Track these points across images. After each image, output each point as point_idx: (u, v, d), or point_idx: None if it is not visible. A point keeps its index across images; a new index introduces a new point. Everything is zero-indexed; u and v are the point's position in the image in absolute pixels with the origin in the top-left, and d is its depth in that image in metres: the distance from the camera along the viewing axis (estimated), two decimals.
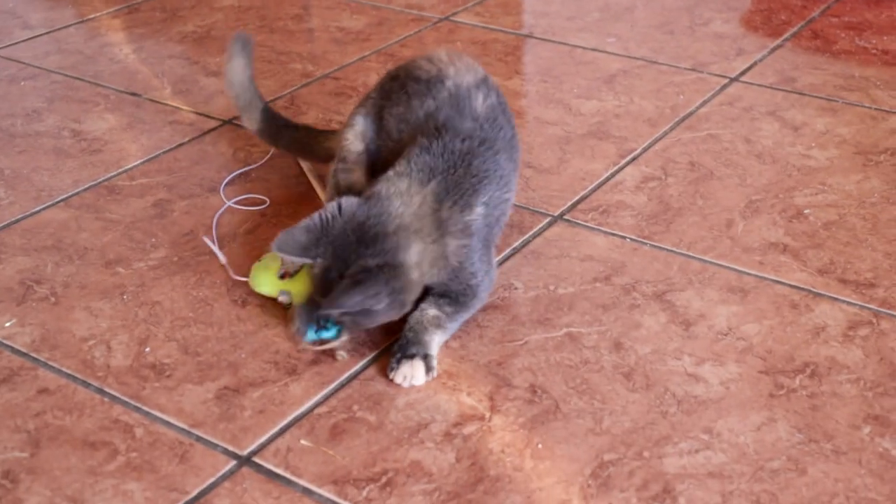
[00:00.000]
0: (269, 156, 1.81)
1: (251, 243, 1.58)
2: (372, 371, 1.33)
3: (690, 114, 1.94)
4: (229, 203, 1.68)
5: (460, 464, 1.19)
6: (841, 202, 1.65)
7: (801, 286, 1.47)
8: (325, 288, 1.28)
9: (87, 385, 1.33)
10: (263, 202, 1.69)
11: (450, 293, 1.36)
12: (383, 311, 1.29)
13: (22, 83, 2.14)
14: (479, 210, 1.35)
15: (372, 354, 1.36)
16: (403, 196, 1.32)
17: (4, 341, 1.40)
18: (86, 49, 2.29)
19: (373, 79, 2.09)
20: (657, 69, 2.12)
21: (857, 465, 1.18)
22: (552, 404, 1.27)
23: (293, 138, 1.73)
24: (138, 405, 1.29)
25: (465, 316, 1.38)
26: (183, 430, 1.25)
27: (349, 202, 1.32)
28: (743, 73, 2.09)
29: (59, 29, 2.40)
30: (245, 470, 1.19)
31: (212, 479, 1.18)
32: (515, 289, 1.47)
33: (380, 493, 1.15)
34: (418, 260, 1.30)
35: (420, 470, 1.18)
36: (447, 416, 1.26)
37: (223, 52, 2.24)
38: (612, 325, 1.40)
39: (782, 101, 1.98)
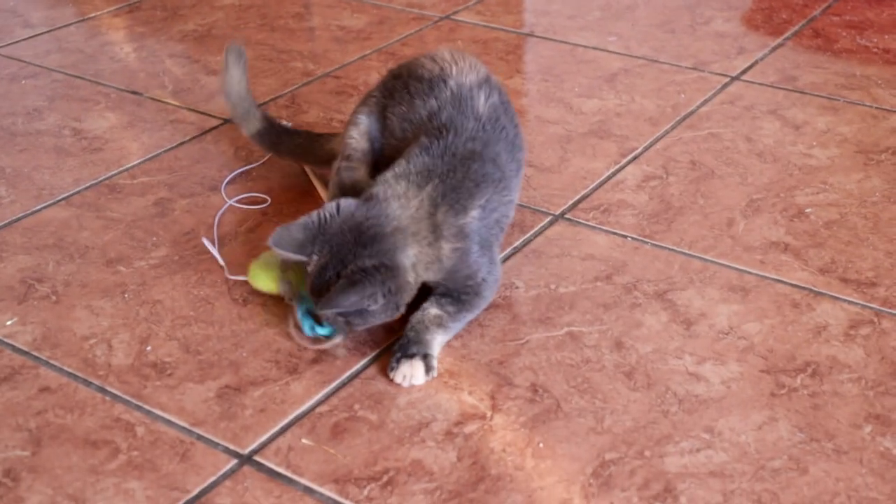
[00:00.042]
0: (270, 155, 1.80)
1: (252, 242, 1.58)
2: (373, 370, 1.33)
3: (691, 113, 1.94)
4: (230, 202, 1.68)
5: (461, 463, 1.19)
6: (842, 201, 1.65)
7: (803, 285, 1.47)
8: (321, 287, 1.28)
9: (88, 384, 1.33)
10: (264, 201, 1.69)
11: (452, 292, 1.36)
12: (378, 312, 1.30)
13: (23, 82, 2.14)
14: (474, 213, 1.34)
15: (373, 353, 1.36)
16: (401, 199, 1.32)
17: (6, 340, 1.41)
18: (86, 48, 2.29)
19: (374, 77, 2.09)
20: (658, 68, 2.12)
21: (858, 465, 1.18)
22: (553, 403, 1.27)
23: (295, 143, 1.72)
24: (139, 404, 1.29)
25: (469, 316, 1.38)
26: (184, 428, 1.25)
27: (347, 203, 1.32)
28: (744, 71, 2.09)
29: (59, 27, 2.40)
30: (246, 469, 1.19)
31: (213, 478, 1.18)
32: (516, 288, 1.47)
33: (381, 492, 1.15)
34: (414, 262, 1.31)
35: (421, 469, 1.18)
36: (448, 415, 1.26)
37: (224, 51, 2.24)
38: (613, 325, 1.40)
39: (783, 99, 1.97)
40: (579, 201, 1.67)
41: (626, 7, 2.43)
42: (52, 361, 1.36)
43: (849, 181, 1.71)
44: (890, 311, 1.41)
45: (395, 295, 1.30)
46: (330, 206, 1.32)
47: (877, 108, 1.94)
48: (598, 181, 1.73)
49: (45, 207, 1.70)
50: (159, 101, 2.04)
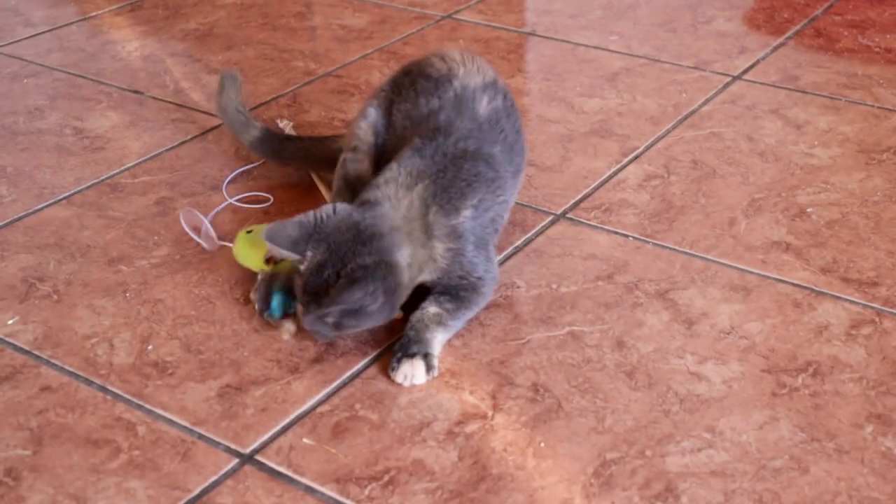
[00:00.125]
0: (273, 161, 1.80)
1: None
2: (374, 370, 1.33)
3: (693, 112, 1.93)
4: (230, 200, 1.68)
5: (462, 462, 1.19)
6: (844, 201, 1.65)
7: (804, 285, 1.46)
8: (318, 286, 1.28)
9: (89, 383, 1.33)
10: (266, 200, 1.69)
11: (450, 291, 1.36)
12: (374, 312, 1.30)
13: (24, 81, 2.14)
14: (466, 213, 1.34)
15: (374, 353, 1.36)
16: (392, 200, 1.33)
17: (7, 339, 1.41)
18: (88, 47, 2.29)
19: (375, 77, 2.09)
20: (660, 67, 2.12)
21: (859, 465, 1.18)
22: (554, 403, 1.27)
23: (298, 147, 1.73)
24: (141, 403, 1.29)
25: (469, 313, 1.38)
26: (185, 428, 1.25)
27: (343, 206, 1.33)
28: (746, 71, 2.09)
29: (61, 26, 2.40)
30: (247, 468, 1.19)
31: (214, 478, 1.18)
32: (518, 287, 1.47)
33: (382, 492, 1.15)
34: (409, 262, 1.31)
35: (422, 468, 1.18)
36: (449, 414, 1.26)
37: (226, 50, 2.24)
38: (614, 324, 1.40)
39: (785, 99, 1.97)
40: (581, 201, 1.67)
41: (627, 6, 2.43)
42: (53, 360, 1.36)
43: (850, 181, 1.71)
44: (891, 310, 1.41)
45: (392, 293, 1.30)
46: (327, 208, 1.33)
47: (878, 107, 1.94)
48: (600, 180, 1.73)
49: (46, 206, 1.70)
50: (161, 100, 2.04)
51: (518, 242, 1.57)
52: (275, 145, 1.73)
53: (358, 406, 1.28)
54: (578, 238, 1.58)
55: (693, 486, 1.15)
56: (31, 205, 1.70)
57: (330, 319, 1.29)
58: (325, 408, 1.27)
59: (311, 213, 1.32)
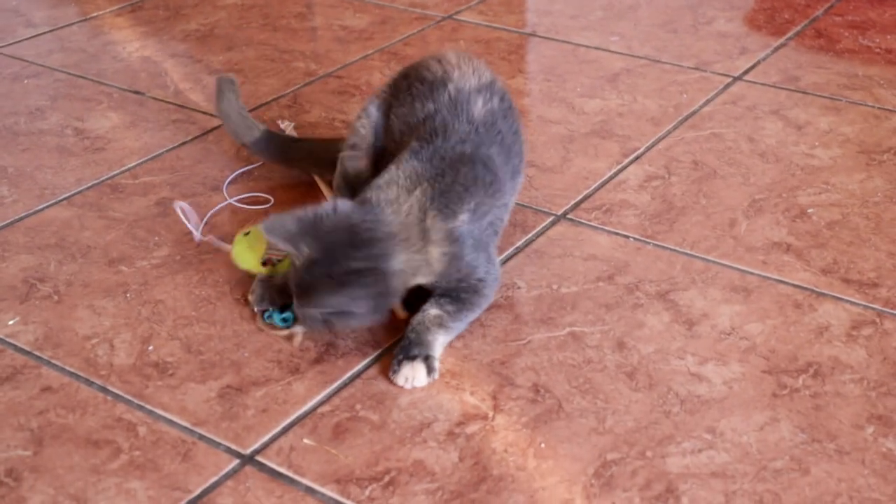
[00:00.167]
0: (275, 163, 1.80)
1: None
2: (375, 370, 1.33)
3: (694, 113, 1.94)
4: (230, 200, 1.68)
5: (463, 463, 1.19)
6: (844, 201, 1.65)
7: (805, 286, 1.46)
8: (308, 283, 1.29)
9: (90, 383, 1.33)
10: (267, 201, 1.69)
11: (451, 292, 1.36)
12: (363, 315, 1.30)
13: (25, 81, 2.14)
14: (463, 217, 1.34)
15: (375, 353, 1.36)
16: (393, 205, 1.33)
17: (7, 339, 1.41)
18: (89, 47, 2.29)
19: (376, 77, 2.09)
20: (660, 68, 2.12)
21: (860, 465, 1.17)
22: (555, 404, 1.27)
23: (303, 149, 1.73)
24: (141, 403, 1.29)
25: (470, 315, 1.38)
26: (186, 428, 1.25)
27: (345, 204, 1.33)
28: (746, 71, 2.09)
29: (62, 27, 2.40)
30: (248, 469, 1.19)
31: (215, 478, 1.18)
32: (518, 288, 1.47)
33: (382, 493, 1.15)
34: (402, 269, 1.31)
35: (423, 469, 1.18)
36: (450, 415, 1.26)
37: (227, 51, 2.24)
38: (615, 325, 1.40)
39: (786, 99, 1.97)
40: (581, 201, 1.67)
41: (628, 7, 2.43)
42: (53, 361, 1.36)
43: (851, 181, 1.71)
44: (892, 311, 1.41)
45: (380, 299, 1.30)
46: (328, 205, 1.33)
47: (879, 108, 1.94)
48: (600, 181, 1.73)
49: (47, 207, 1.70)
50: (161, 100, 2.04)
51: (519, 243, 1.57)
52: (280, 147, 1.74)
53: (358, 407, 1.28)
54: (579, 239, 1.58)
55: (694, 487, 1.15)
56: (31, 205, 1.70)
57: (317, 316, 1.30)
58: (325, 408, 1.27)
59: (311, 209, 1.32)
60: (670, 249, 1.55)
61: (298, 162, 1.73)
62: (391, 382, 1.30)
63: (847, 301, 1.43)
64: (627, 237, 1.58)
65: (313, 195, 1.69)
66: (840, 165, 1.75)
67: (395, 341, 1.36)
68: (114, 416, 1.27)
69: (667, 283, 1.48)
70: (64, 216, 1.67)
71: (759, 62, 2.13)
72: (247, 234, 1.48)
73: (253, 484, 1.17)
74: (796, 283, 1.47)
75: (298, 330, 1.37)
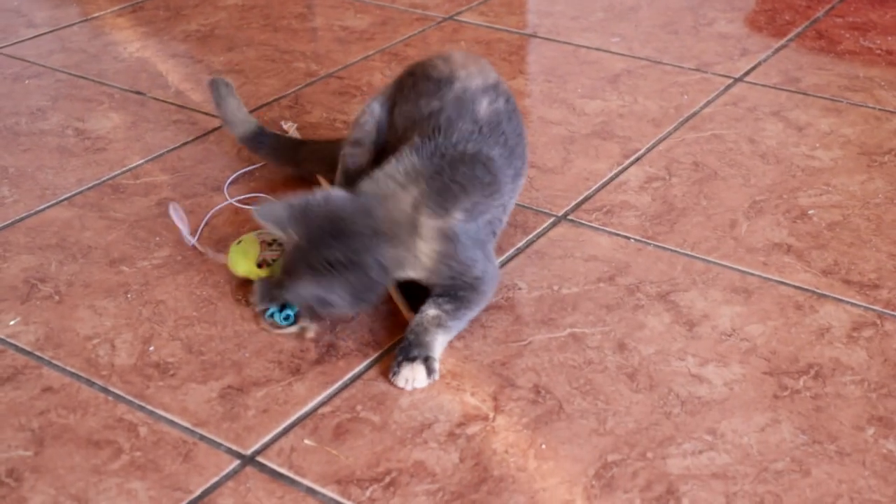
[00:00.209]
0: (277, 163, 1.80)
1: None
2: (375, 371, 1.33)
3: (694, 114, 1.94)
4: (231, 200, 1.68)
5: (464, 464, 1.19)
6: (845, 203, 1.65)
7: (805, 287, 1.46)
8: (289, 269, 1.31)
9: (91, 384, 1.33)
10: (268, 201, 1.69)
11: (449, 291, 1.36)
12: (343, 305, 1.31)
13: (26, 81, 2.14)
14: (457, 216, 1.34)
15: (376, 354, 1.36)
16: (385, 199, 1.34)
17: (9, 340, 1.41)
18: (90, 47, 2.29)
19: (377, 78, 2.09)
20: (661, 69, 2.12)
21: (861, 467, 1.18)
22: (556, 405, 1.27)
23: (311, 150, 1.73)
24: (142, 404, 1.29)
25: (469, 313, 1.38)
26: (187, 429, 1.25)
27: (338, 194, 1.35)
28: (747, 73, 2.09)
29: (63, 27, 2.40)
30: (249, 469, 1.20)
31: (215, 479, 1.18)
32: (519, 289, 1.47)
33: (383, 493, 1.15)
34: (384, 263, 1.31)
35: (423, 470, 1.18)
36: (451, 416, 1.26)
37: (227, 51, 2.25)
38: (615, 326, 1.40)
39: (786, 101, 1.97)
40: (582, 202, 1.67)
41: (629, 8, 2.43)
42: (54, 361, 1.37)
43: (852, 183, 1.71)
44: (892, 313, 1.41)
45: (360, 292, 1.31)
46: (321, 193, 1.34)
47: (880, 109, 1.94)
48: (601, 182, 1.73)
49: (48, 207, 1.70)
50: (162, 101, 2.04)
51: (519, 244, 1.57)
52: (288, 148, 1.75)
53: (359, 407, 1.28)
54: (580, 240, 1.58)
55: (694, 489, 1.15)
56: (32, 205, 1.70)
57: (298, 301, 1.32)
58: (326, 409, 1.27)
59: (303, 197, 1.34)
60: (671, 250, 1.55)
61: (306, 159, 1.74)
62: (391, 384, 1.30)
63: (848, 302, 1.43)
64: (628, 238, 1.58)
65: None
66: (841, 167, 1.75)
67: (396, 342, 1.36)
68: (115, 416, 1.27)
69: (667, 284, 1.48)
70: (65, 216, 1.67)
71: (759, 63, 2.13)
72: (239, 242, 1.48)
73: (254, 484, 1.17)
74: (797, 284, 1.47)
75: (307, 325, 1.37)
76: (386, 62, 2.18)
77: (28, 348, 1.39)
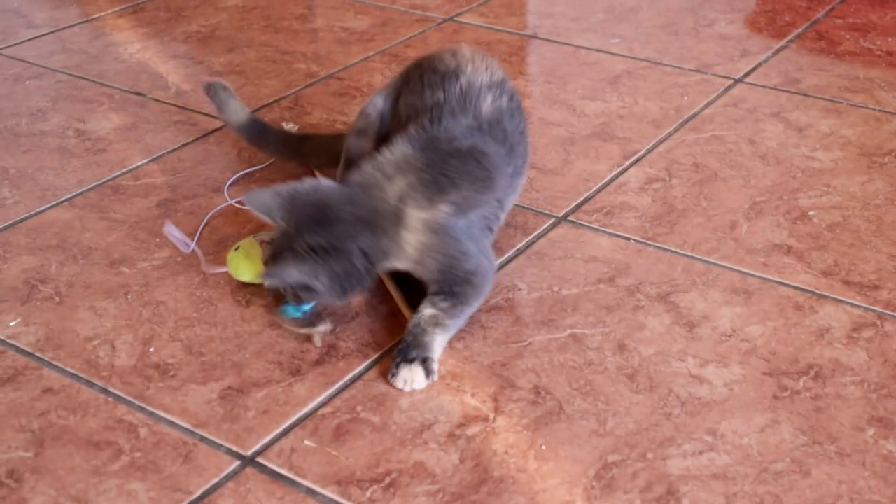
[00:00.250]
0: (275, 158, 1.81)
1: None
2: (375, 372, 1.33)
3: (695, 115, 1.94)
4: (231, 202, 1.68)
5: (464, 465, 1.19)
6: (845, 204, 1.65)
7: (805, 288, 1.47)
8: (275, 255, 1.32)
9: (91, 385, 1.33)
10: None
11: (444, 288, 1.35)
12: (324, 291, 1.32)
13: (27, 82, 2.14)
14: (443, 209, 1.35)
15: (376, 355, 1.36)
16: (371, 188, 1.35)
17: (9, 341, 1.41)
18: (90, 48, 2.29)
19: (377, 79, 2.10)
20: (661, 70, 2.12)
21: (861, 468, 1.18)
22: (556, 406, 1.27)
23: (317, 144, 1.74)
24: (142, 405, 1.29)
25: (467, 309, 1.37)
26: (187, 430, 1.25)
27: (326, 183, 1.37)
28: (747, 74, 2.09)
29: (63, 28, 2.41)
30: (249, 470, 1.20)
31: (216, 480, 1.18)
32: (519, 290, 1.47)
33: (383, 494, 1.15)
34: (366, 251, 1.32)
35: (423, 471, 1.18)
36: (451, 417, 1.26)
37: (228, 52, 2.25)
38: (615, 327, 1.40)
39: (786, 102, 1.97)
40: (582, 203, 1.67)
41: (629, 9, 2.43)
42: (55, 362, 1.37)
43: (852, 184, 1.71)
44: (892, 313, 1.41)
45: (342, 279, 1.32)
46: (310, 182, 1.36)
47: (880, 110, 1.94)
48: (601, 183, 1.73)
49: (48, 208, 1.70)
50: (163, 102, 2.04)
51: (519, 245, 1.57)
52: (294, 143, 1.77)
53: (359, 408, 1.28)
54: (580, 241, 1.58)
55: (694, 489, 1.15)
56: (33, 206, 1.71)
57: (282, 286, 1.33)
58: (326, 410, 1.28)
59: (291, 185, 1.36)
60: (671, 251, 1.55)
61: (314, 153, 1.74)
62: (391, 385, 1.30)
63: (848, 303, 1.43)
64: (628, 239, 1.58)
65: None
66: (841, 168, 1.75)
67: (396, 343, 1.36)
68: (115, 417, 1.27)
69: (667, 285, 1.48)
70: (65, 217, 1.67)
71: (760, 64, 2.13)
72: (237, 248, 1.48)
73: (254, 485, 1.17)
74: (797, 285, 1.47)
75: (319, 329, 1.37)
76: (386, 63, 2.18)
77: (28, 349, 1.39)
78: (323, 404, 1.28)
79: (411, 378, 1.29)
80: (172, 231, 1.57)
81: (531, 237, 1.59)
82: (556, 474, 1.18)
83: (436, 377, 1.31)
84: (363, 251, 1.32)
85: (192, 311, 1.45)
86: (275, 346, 1.38)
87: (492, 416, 1.26)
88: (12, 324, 1.44)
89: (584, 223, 1.62)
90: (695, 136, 1.86)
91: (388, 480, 1.17)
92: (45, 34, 2.37)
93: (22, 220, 1.67)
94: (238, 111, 1.74)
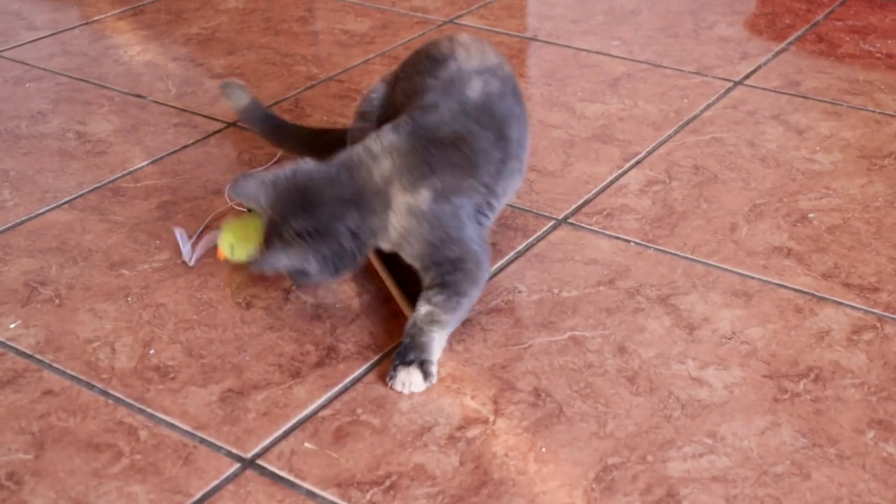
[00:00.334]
0: (275, 159, 1.81)
1: None
2: (375, 374, 1.33)
3: (695, 117, 1.94)
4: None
5: (464, 467, 1.19)
6: (845, 206, 1.65)
7: (805, 290, 1.47)
8: (265, 242, 1.34)
9: (91, 387, 1.33)
10: None
11: (436, 280, 1.34)
12: (315, 273, 1.34)
13: (27, 85, 2.14)
14: (424, 194, 1.35)
15: (376, 357, 1.36)
16: (353, 168, 1.36)
17: (9, 343, 1.41)
18: (90, 51, 2.29)
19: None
20: (661, 72, 2.12)
21: (861, 470, 1.18)
22: (556, 408, 1.27)
23: (330, 140, 1.74)
24: (142, 407, 1.29)
25: (463, 300, 1.35)
26: (187, 432, 1.25)
27: (307, 165, 1.38)
28: (747, 76, 2.09)
29: (63, 31, 2.41)
30: (249, 472, 1.20)
31: (216, 482, 1.18)
32: (519, 292, 1.47)
33: (383, 497, 1.15)
34: (354, 231, 1.34)
35: (424, 473, 1.18)
36: (451, 419, 1.26)
37: (228, 54, 2.25)
38: (616, 329, 1.40)
39: (786, 104, 1.98)
40: (582, 206, 1.68)
41: (629, 11, 2.43)
42: (55, 365, 1.37)
43: (852, 186, 1.71)
44: (892, 316, 1.41)
45: (332, 260, 1.34)
46: (292, 166, 1.37)
47: (880, 113, 1.94)
48: (601, 186, 1.73)
49: (48, 210, 1.70)
50: (163, 104, 2.04)
51: (520, 247, 1.57)
52: (309, 137, 1.78)
53: (359, 410, 1.28)
54: (580, 243, 1.58)
55: (694, 492, 1.15)
56: (33, 209, 1.71)
57: (274, 271, 1.36)
58: (326, 412, 1.28)
59: (274, 171, 1.37)
60: (671, 254, 1.55)
61: (328, 146, 1.75)
62: (389, 388, 1.30)
63: (848, 305, 1.43)
64: (628, 241, 1.58)
65: None
66: (841, 170, 1.75)
67: (397, 345, 1.36)
68: (115, 419, 1.27)
69: (667, 287, 1.48)
70: (65, 220, 1.67)
71: (759, 67, 2.13)
72: (225, 231, 1.47)
73: (254, 488, 1.17)
74: (797, 287, 1.47)
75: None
76: (386, 65, 2.18)
77: (28, 351, 1.39)
78: (323, 406, 1.28)
79: (409, 381, 1.29)
80: (182, 237, 1.57)
81: (531, 239, 1.59)
82: (556, 476, 1.18)
83: (434, 379, 1.31)
84: (351, 231, 1.34)
85: (192, 314, 1.45)
86: (275, 349, 1.38)
87: (492, 418, 1.26)
88: (12, 326, 1.44)
89: (584, 225, 1.62)
90: (695, 138, 1.86)
91: (388, 483, 1.17)
92: (46, 36, 2.38)
93: (22, 223, 1.67)
94: (254, 107, 1.77)
